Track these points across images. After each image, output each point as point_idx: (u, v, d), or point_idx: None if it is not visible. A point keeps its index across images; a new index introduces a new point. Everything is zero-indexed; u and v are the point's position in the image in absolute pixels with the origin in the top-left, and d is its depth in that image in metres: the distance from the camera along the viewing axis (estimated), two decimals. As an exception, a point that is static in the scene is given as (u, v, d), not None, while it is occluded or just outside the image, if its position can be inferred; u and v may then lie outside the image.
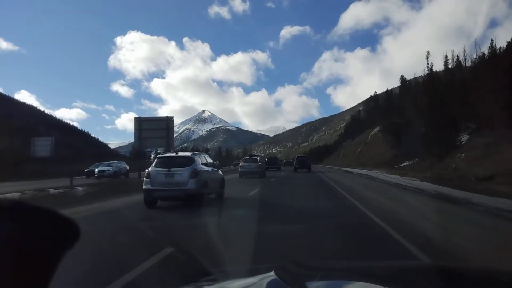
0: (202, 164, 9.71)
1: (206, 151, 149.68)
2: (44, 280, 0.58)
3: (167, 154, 10.77)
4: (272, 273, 1.36)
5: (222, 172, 12.00)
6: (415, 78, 70.29)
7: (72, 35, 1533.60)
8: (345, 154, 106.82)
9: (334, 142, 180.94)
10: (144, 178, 9.28)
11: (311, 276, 1.47)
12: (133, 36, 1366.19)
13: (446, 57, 48.21)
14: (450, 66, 47.54)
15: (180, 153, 10.95)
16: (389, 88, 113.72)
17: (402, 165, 43.97)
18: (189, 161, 9.28)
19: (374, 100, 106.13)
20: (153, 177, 8.98)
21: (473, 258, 4.99)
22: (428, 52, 47.56)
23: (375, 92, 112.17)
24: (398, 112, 56.16)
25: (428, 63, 46.43)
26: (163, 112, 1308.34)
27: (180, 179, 8.81)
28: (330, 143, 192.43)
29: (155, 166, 9.26)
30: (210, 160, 11.02)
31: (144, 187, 9.06)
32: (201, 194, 9.02)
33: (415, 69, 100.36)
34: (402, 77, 75.94)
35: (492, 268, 2.81)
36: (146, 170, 9.42)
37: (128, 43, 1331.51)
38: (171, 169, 8.96)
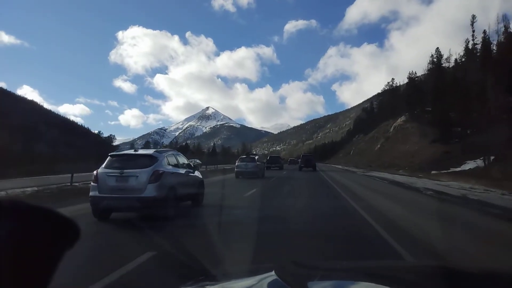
0: (169, 164, 7.89)
1: (213, 148, 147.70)
2: (44, 280, 0.58)
3: (122, 152, 8.39)
4: (273, 273, 1.36)
5: (199, 173, 10.16)
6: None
7: (73, 29, 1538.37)
8: (357, 151, 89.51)
9: (341, 138, 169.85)
10: (91, 182, 7.47)
11: (312, 276, 1.47)
12: (135, 30, 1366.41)
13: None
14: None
15: (141, 150, 8.52)
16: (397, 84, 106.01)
17: (460, 168, 27.24)
18: (150, 160, 7.46)
19: (391, 90, 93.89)
20: (102, 181, 7.23)
21: None
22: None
23: (393, 79, 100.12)
24: (439, 98, 42.30)
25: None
26: (166, 108, 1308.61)
27: (135, 184, 7.09)
28: (337, 140, 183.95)
29: (105, 167, 7.44)
30: (183, 160, 9.12)
31: (90, 193, 7.34)
32: (163, 202, 7.12)
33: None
34: (438, 51, 62.74)
35: (492, 268, 2.78)
36: (94, 171, 7.50)
37: (130, 37, 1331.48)
38: (125, 170, 7.13)
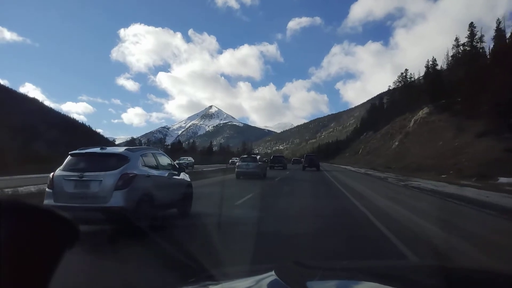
0: (144, 165, 6.56)
1: (209, 147, 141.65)
2: (44, 280, 0.58)
3: (85, 150, 6.57)
4: (273, 273, 1.36)
5: (186, 175, 8.53)
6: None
7: (76, 26, 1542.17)
8: (369, 150, 77.62)
9: (346, 137, 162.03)
10: (46, 188, 6.29)
11: (312, 276, 1.47)
12: (137, 28, 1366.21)
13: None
14: None
15: (110, 148, 6.82)
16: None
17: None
18: (118, 161, 6.17)
19: (405, 82, 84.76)
20: (58, 187, 6.03)
21: None
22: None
23: (406, 69, 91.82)
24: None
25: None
26: (169, 107, 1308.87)
27: (98, 190, 5.87)
28: (342, 138, 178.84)
29: (63, 168, 6.19)
30: (165, 160, 7.68)
31: (44, 202, 6.06)
32: (135, 214, 5.83)
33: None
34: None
35: (492, 268, 2.78)
36: (51, 174, 6.27)
37: (132, 35, 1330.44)
38: (86, 174, 5.92)
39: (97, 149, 6.51)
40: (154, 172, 6.87)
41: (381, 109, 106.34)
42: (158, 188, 6.69)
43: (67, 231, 0.62)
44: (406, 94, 76.25)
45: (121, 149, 6.63)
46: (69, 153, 6.48)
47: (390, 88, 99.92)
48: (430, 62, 70.72)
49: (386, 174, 28.71)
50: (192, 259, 3.96)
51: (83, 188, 5.93)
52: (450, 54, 62.27)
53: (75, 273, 3.49)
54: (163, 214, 7.00)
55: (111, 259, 4.52)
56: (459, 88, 43.93)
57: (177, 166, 8.13)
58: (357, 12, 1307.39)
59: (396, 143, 59.07)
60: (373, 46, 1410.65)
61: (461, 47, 57.68)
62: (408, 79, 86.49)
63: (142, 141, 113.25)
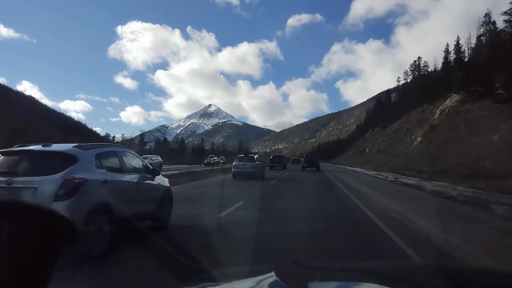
0: (102, 167, 5.30)
1: (200, 146, 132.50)
2: (43, 280, 0.59)
3: (19, 148, 5.42)
4: (273, 273, 1.35)
5: (164, 179, 7.25)
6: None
7: (74, 22, 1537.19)
8: (379, 149, 66.65)
9: (348, 136, 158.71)
10: None
11: (312, 277, 1.47)
12: (135, 25, 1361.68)
13: None
14: None
15: (56, 146, 5.30)
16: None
17: None
18: (63, 161, 4.89)
19: (418, 72, 78.16)
20: None
21: None
22: None
23: (419, 57, 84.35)
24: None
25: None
26: (168, 105, 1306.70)
27: (34, 200, 4.47)
28: (342, 137, 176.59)
29: None
30: (134, 161, 6.35)
31: None
32: (83, 232, 4.30)
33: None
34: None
35: (493, 268, 2.82)
36: None
37: (130, 32, 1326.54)
38: (16, 179, 4.63)
39: (37, 147, 5.22)
40: (117, 176, 5.64)
41: (388, 104, 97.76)
42: (121, 197, 5.48)
43: (67, 231, 0.63)
44: (421, 84, 67.76)
45: (68, 146, 5.30)
46: (0, 151, 5.22)
47: (399, 80, 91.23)
48: (454, 44, 60.77)
49: (437, 185, 17.04)
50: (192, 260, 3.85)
51: (13, 196, 4.67)
52: (475, 35, 56.53)
53: (75, 273, 3.45)
54: (131, 228, 5.63)
55: (111, 259, 4.46)
56: (496, 71, 37.43)
57: (151, 168, 6.83)
58: (358, 9, 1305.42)
59: (419, 140, 47.54)
60: (374, 44, 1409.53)
61: (490, 25, 51.40)
62: (422, 68, 78.34)
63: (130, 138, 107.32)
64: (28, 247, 0.58)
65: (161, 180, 7.01)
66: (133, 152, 6.79)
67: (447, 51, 63.19)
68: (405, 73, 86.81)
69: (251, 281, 1.42)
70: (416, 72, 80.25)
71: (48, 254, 0.61)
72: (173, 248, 4.94)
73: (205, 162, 47.89)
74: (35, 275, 0.59)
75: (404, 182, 19.80)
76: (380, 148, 65.61)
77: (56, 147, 5.29)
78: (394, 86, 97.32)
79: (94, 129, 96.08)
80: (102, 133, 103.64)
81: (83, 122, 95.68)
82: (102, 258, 4.46)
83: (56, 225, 0.62)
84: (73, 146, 5.21)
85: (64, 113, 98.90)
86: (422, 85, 65.41)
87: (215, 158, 53.94)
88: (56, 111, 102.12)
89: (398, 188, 16.93)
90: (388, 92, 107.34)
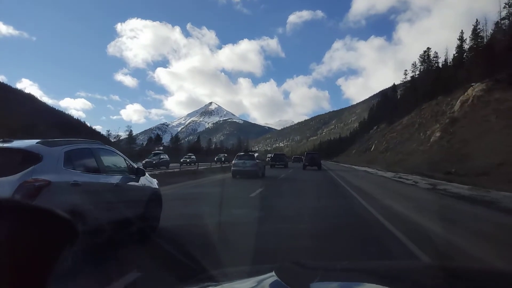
0: (71, 168, 4.69)
1: (196, 142, 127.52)
2: (43, 280, 0.59)
3: None
4: (273, 273, 1.35)
5: (151, 180, 6.61)
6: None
7: (73, 20, 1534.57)
8: (388, 146, 59.89)
9: (350, 133, 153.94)
10: None
11: (312, 277, 1.46)
12: (134, 22, 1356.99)
13: None
14: None
15: (17, 142, 4.68)
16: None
17: None
18: (23, 160, 4.35)
19: (428, 63, 72.01)
20: None
21: None
22: None
23: (428, 48, 76.59)
24: None
25: None
26: (169, 103, 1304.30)
27: None
28: (344, 135, 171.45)
29: None
30: (115, 160, 5.83)
31: None
32: None
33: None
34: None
35: (493, 268, 2.70)
36: None
37: (129, 29, 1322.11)
38: None
39: None
40: (91, 177, 5.01)
41: (394, 99, 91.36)
42: (97, 202, 4.89)
43: (67, 231, 0.63)
44: (434, 76, 62.17)
45: (31, 142, 4.63)
46: None
47: (407, 73, 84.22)
48: (471, 30, 56.20)
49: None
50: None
51: None
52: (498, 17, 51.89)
53: (75, 273, 3.16)
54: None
55: (111, 259, 4.37)
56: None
57: (135, 168, 6.15)
58: (359, 6, 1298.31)
59: (437, 135, 40.58)
60: (376, 41, 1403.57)
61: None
62: (432, 59, 72.05)
63: (141, 139, 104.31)
64: (27, 247, 0.58)
65: (148, 181, 6.39)
66: (115, 150, 6.13)
67: (461, 39, 58.46)
68: (413, 65, 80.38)
69: (251, 281, 1.40)
70: (426, 64, 74.24)
71: (47, 254, 0.60)
72: (173, 247, 5.02)
73: (181, 160, 42.40)
74: (35, 275, 0.58)
75: (456, 194, 12.24)
76: (389, 145, 59.71)
77: (16, 143, 4.71)
78: (402, 79, 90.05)
79: (94, 127, 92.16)
80: (103, 131, 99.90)
81: (83, 120, 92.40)
82: (102, 258, 4.30)
83: (56, 225, 0.62)
84: (37, 142, 4.67)
85: (64, 111, 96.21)
86: (437, 77, 59.88)
87: (193, 156, 47.95)
88: (56, 109, 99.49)
89: (462, 208, 9.36)
90: (394, 87, 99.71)
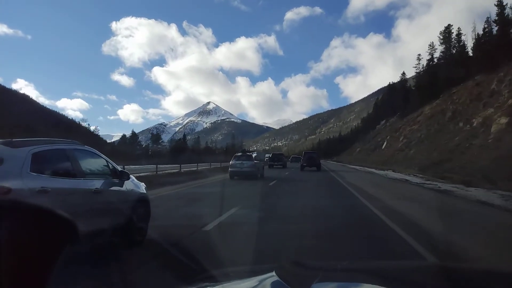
0: (39, 172, 4.17)
1: (182, 142, 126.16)
2: (43, 280, 0.59)
3: None
4: (273, 273, 1.37)
5: (139, 184, 6.12)
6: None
7: (69, 19, 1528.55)
8: (407, 142, 48.64)
9: (351, 131, 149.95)
10: None
11: (313, 277, 1.45)
12: (130, 20, 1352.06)
13: None
14: None
15: None
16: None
17: None
18: None
19: (449, 44, 61.21)
20: None
21: None
22: None
23: (449, 24, 65.43)
24: None
25: None
26: (166, 103, 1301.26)
27: None
28: (345, 133, 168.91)
29: None
30: (95, 162, 5.32)
31: None
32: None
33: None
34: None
35: (494, 268, 2.74)
36: None
37: (125, 28, 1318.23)
38: None
39: None
40: (64, 182, 4.49)
41: (404, 88, 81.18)
42: (70, 211, 3.89)
43: (67, 231, 0.61)
44: (462, 55, 54.23)
45: None
46: None
47: (420, 58, 74.03)
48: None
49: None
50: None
51: None
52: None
53: (75, 273, 3.33)
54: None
55: (111, 259, 4.44)
56: None
57: (119, 171, 5.65)
58: (358, 1, 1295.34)
59: (503, 122, 27.53)
60: (375, 39, 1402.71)
61: None
62: (454, 39, 60.13)
63: (139, 139, 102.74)
64: (28, 246, 0.57)
65: (134, 184, 5.88)
66: (95, 151, 5.53)
67: (501, 5, 46.90)
68: (431, 46, 67.43)
69: (252, 280, 1.40)
70: (446, 45, 61.97)
71: (47, 253, 0.59)
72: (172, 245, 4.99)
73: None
74: (35, 274, 0.57)
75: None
76: (410, 141, 47.71)
77: None
78: (414, 65, 77.94)
79: (91, 127, 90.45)
80: (102, 132, 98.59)
81: (79, 121, 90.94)
82: (102, 258, 4.40)
83: (56, 225, 0.59)
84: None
85: (59, 112, 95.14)
86: (478, 52, 48.53)
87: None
88: (52, 110, 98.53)
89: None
90: (404, 80, 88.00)
